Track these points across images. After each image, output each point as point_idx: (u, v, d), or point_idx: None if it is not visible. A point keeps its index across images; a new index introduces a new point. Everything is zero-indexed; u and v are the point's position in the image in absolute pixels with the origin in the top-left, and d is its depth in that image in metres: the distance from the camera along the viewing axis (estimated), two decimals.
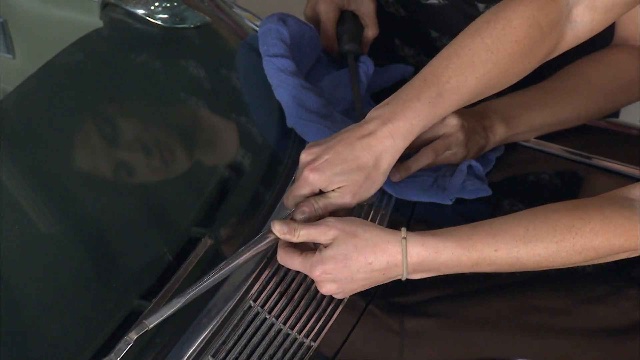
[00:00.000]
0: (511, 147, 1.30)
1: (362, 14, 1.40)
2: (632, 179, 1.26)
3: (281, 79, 1.23)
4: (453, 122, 1.20)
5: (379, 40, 1.44)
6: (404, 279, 1.03)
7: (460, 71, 1.05)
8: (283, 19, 1.30)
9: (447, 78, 1.05)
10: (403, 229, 1.01)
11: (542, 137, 1.31)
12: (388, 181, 1.19)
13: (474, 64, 1.05)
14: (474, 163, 1.21)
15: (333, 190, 1.04)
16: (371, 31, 1.41)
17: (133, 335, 0.97)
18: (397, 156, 1.06)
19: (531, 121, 1.27)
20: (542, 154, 1.31)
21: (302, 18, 1.39)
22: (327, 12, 1.39)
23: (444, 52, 1.07)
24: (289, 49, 1.27)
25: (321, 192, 1.05)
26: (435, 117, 1.06)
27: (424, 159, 1.20)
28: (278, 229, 1.03)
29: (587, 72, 1.30)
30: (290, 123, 1.22)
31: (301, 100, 1.22)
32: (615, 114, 1.46)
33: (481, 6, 1.36)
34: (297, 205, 1.05)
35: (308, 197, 1.05)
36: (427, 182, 1.21)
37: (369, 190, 1.06)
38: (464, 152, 1.22)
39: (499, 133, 1.26)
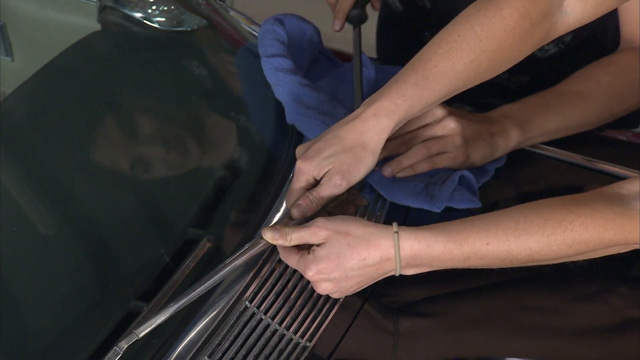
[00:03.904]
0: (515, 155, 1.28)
1: None
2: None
3: (279, 77, 1.25)
4: (451, 125, 1.20)
5: (408, 33, 1.44)
6: (397, 274, 1.03)
7: (448, 56, 1.06)
8: (280, 19, 1.32)
9: (434, 62, 1.06)
10: (395, 224, 1.02)
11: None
12: (381, 183, 1.20)
13: (462, 50, 1.06)
14: (466, 174, 1.21)
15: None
16: (376, 4, 1.43)
17: (123, 345, 0.97)
18: (382, 136, 1.06)
19: (545, 125, 1.26)
20: (538, 163, 1.30)
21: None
22: None
23: (433, 40, 1.08)
24: (287, 47, 1.28)
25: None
26: (422, 99, 1.06)
27: (415, 155, 1.20)
28: (269, 237, 1.03)
29: (598, 75, 1.29)
30: (289, 120, 1.23)
31: (299, 97, 1.23)
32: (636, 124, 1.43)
33: None
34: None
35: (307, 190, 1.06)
36: (417, 188, 1.21)
37: (358, 169, 1.06)
38: (463, 157, 1.22)
39: (514, 138, 1.25)
